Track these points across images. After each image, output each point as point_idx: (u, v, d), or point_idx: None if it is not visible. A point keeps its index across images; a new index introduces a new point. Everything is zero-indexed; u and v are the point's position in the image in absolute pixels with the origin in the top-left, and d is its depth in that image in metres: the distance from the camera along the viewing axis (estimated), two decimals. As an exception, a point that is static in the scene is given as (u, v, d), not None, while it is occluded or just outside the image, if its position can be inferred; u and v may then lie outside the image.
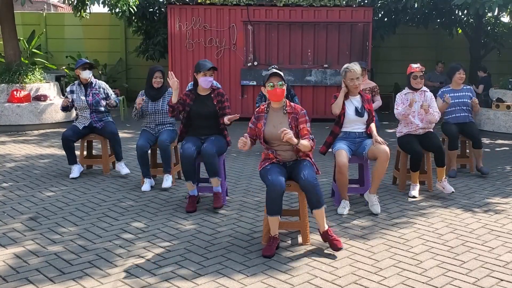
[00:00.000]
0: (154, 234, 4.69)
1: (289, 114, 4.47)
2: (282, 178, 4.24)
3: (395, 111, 6.13)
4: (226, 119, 5.31)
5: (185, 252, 4.27)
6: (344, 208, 5.35)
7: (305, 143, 4.31)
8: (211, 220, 5.07)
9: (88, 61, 6.83)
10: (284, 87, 4.44)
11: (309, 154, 4.55)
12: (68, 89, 6.92)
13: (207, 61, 5.53)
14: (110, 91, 6.96)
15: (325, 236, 4.37)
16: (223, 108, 5.49)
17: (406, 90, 6.20)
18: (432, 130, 6.18)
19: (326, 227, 4.38)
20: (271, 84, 4.41)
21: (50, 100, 11.05)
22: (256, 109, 4.62)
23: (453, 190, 5.91)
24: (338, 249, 4.26)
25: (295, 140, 4.21)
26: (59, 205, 5.52)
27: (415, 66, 6.13)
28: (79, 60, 6.89)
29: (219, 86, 6.45)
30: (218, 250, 4.30)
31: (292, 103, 4.54)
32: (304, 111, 4.52)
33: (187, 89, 6.44)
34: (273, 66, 8.49)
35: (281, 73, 4.44)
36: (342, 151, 5.31)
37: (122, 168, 6.74)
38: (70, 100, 6.74)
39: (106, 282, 3.69)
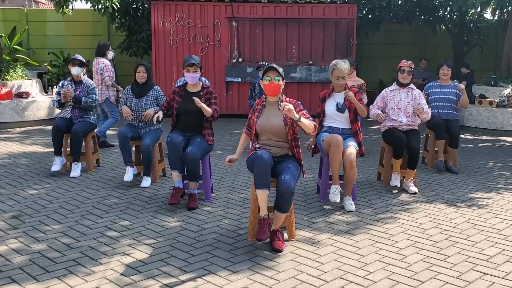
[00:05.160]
0: (139, 231, 4.66)
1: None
2: (270, 155, 4.28)
3: (371, 111, 6.15)
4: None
5: (171, 249, 4.25)
6: (336, 194, 5.25)
7: (306, 121, 4.31)
8: (196, 217, 5.05)
9: (78, 58, 6.75)
10: (281, 83, 4.45)
11: (300, 157, 4.51)
12: (60, 83, 6.88)
13: (192, 56, 5.52)
14: (92, 94, 6.77)
15: (273, 234, 4.29)
16: (209, 105, 5.48)
17: (394, 86, 6.22)
18: (416, 128, 6.21)
19: (278, 228, 4.31)
20: (268, 78, 4.41)
21: (32, 97, 10.93)
22: (256, 101, 4.65)
23: (416, 191, 5.93)
24: (276, 250, 4.17)
25: (296, 115, 4.21)
26: (42, 203, 5.46)
27: (405, 61, 6.16)
28: (72, 56, 6.88)
29: (208, 83, 6.44)
30: (204, 247, 4.29)
31: (287, 99, 4.57)
32: (299, 102, 4.55)
33: (176, 85, 6.43)
34: (261, 63, 8.48)
35: (280, 69, 4.45)
36: (331, 134, 5.32)
37: (74, 170, 6.58)
38: (66, 90, 6.57)
39: (91, 280, 3.66)
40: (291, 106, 4.16)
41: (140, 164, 6.51)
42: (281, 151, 4.48)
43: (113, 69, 8.55)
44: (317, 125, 4.48)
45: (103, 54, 8.50)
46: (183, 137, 5.38)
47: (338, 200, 5.27)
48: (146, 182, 6.11)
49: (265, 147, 4.47)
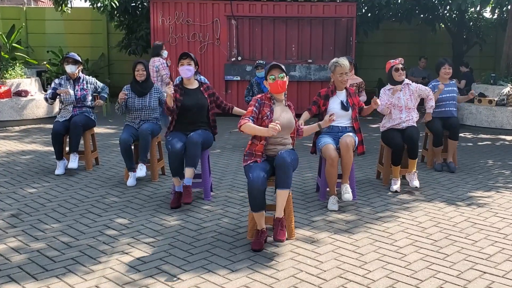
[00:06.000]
0: (138, 230, 4.65)
1: (290, 107, 4.56)
2: (264, 174, 4.20)
3: (381, 108, 6.17)
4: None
5: (170, 248, 4.24)
6: (334, 204, 5.32)
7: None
8: (195, 216, 5.04)
9: (71, 56, 6.72)
10: (286, 79, 4.42)
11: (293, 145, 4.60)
12: (56, 81, 6.83)
13: (186, 52, 5.56)
14: (99, 84, 6.96)
15: (276, 222, 4.23)
16: (219, 101, 5.73)
17: (389, 86, 6.22)
18: (415, 125, 6.21)
19: (282, 215, 4.26)
20: (272, 76, 4.37)
21: (31, 95, 10.90)
22: (258, 96, 4.48)
23: (417, 186, 5.97)
24: (278, 240, 4.15)
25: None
26: (41, 201, 5.45)
27: (393, 60, 6.16)
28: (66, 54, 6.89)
29: (207, 81, 6.47)
30: (203, 246, 4.28)
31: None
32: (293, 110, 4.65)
33: (176, 81, 6.43)
34: (258, 62, 8.44)
35: (282, 65, 4.42)
36: (329, 145, 5.32)
37: (72, 161, 6.53)
38: (70, 93, 6.65)
39: (90, 279, 3.65)
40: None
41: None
42: (284, 148, 4.47)
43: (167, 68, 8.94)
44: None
45: (157, 54, 8.91)
46: (183, 142, 5.30)
47: (336, 209, 5.28)
48: (141, 171, 6.00)
49: (270, 147, 4.42)
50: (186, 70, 5.43)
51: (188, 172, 5.25)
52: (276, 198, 4.27)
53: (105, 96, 6.92)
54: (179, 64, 5.46)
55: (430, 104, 6.50)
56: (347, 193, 5.35)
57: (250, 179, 4.15)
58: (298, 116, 4.96)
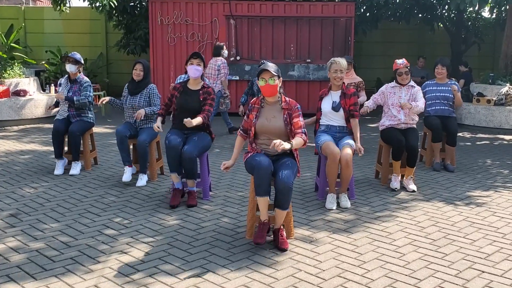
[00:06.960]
0: (137, 229, 4.65)
1: (285, 110, 4.42)
2: (270, 160, 4.24)
3: (371, 99, 6.33)
4: (188, 120, 5.19)
5: (169, 247, 4.24)
6: (333, 202, 5.34)
7: (297, 141, 4.24)
8: (194, 215, 5.05)
9: (72, 55, 6.70)
10: (277, 82, 4.37)
11: (295, 151, 4.46)
12: (59, 81, 6.92)
13: (198, 52, 5.59)
14: (86, 91, 6.65)
15: (276, 233, 4.30)
16: (204, 105, 5.46)
17: (394, 83, 6.23)
18: (415, 126, 6.21)
19: (280, 226, 4.32)
20: (263, 79, 4.37)
21: (30, 95, 10.89)
22: (252, 101, 4.56)
23: (415, 190, 5.96)
24: (283, 249, 4.19)
25: (288, 146, 4.10)
26: (40, 201, 5.45)
27: (399, 63, 6.13)
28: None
29: (210, 85, 6.44)
30: (202, 245, 4.29)
31: (287, 98, 4.50)
32: (298, 106, 4.49)
33: (176, 81, 6.41)
34: (263, 61, 8.35)
35: (273, 68, 4.37)
36: (329, 142, 5.32)
37: (73, 168, 6.59)
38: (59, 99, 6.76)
39: (89, 278, 3.65)
40: (282, 145, 4.02)
41: (137, 162, 6.50)
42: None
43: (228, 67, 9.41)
44: (306, 139, 4.39)
45: (218, 54, 9.33)
46: (181, 138, 5.34)
47: (334, 208, 5.30)
48: (142, 181, 6.09)
49: (263, 147, 4.44)
50: (195, 70, 5.46)
51: (189, 183, 5.44)
52: (275, 213, 4.30)
53: (73, 99, 6.54)
54: (188, 63, 5.49)
55: (415, 110, 6.27)
56: (346, 201, 5.38)
57: (257, 161, 4.16)
58: (306, 115, 4.89)
